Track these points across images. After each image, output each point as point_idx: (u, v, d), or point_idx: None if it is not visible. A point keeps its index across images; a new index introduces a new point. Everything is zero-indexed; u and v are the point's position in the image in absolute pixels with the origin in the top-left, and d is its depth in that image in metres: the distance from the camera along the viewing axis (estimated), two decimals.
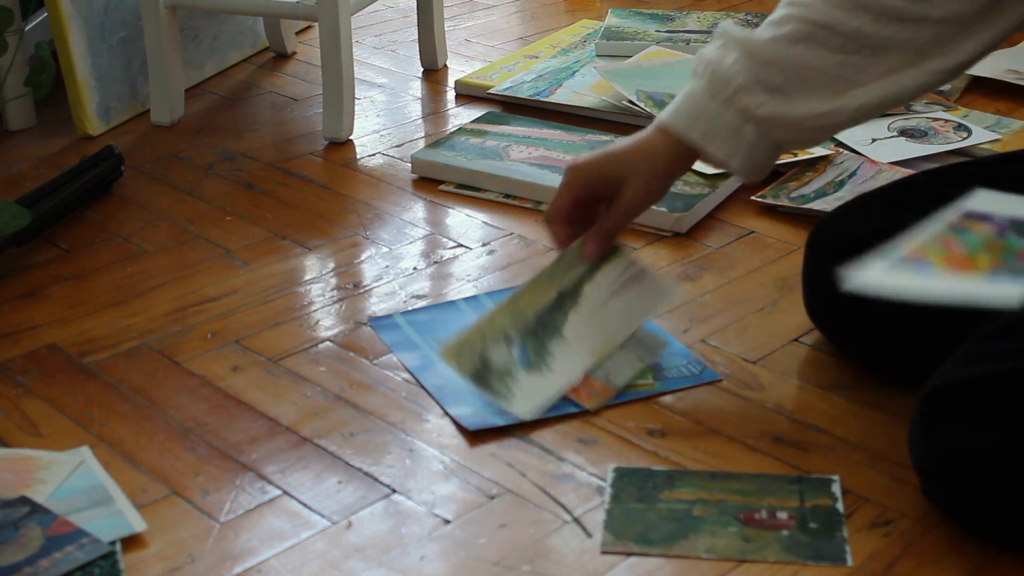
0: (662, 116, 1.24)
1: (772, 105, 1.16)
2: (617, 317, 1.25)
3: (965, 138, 1.72)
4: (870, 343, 1.23)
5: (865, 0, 1.15)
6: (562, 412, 1.18)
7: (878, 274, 0.93)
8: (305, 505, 1.07)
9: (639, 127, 1.79)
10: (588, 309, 1.25)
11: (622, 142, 1.25)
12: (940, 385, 1.02)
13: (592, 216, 1.28)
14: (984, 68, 1.90)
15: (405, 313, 1.35)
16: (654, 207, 1.51)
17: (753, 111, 1.17)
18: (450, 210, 1.60)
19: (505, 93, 1.91)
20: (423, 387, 1.23)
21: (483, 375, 1.19)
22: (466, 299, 1.37)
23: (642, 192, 1.23)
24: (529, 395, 1.19)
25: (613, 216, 1.25)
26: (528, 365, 1.21)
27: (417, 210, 1.60)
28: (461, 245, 1.51)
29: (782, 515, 1.04)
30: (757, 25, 2.13)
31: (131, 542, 1.02)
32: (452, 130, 1.81)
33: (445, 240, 1.52)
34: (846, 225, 1.24)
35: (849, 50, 1.15)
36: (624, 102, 1.84)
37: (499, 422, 1.16)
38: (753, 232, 1.53)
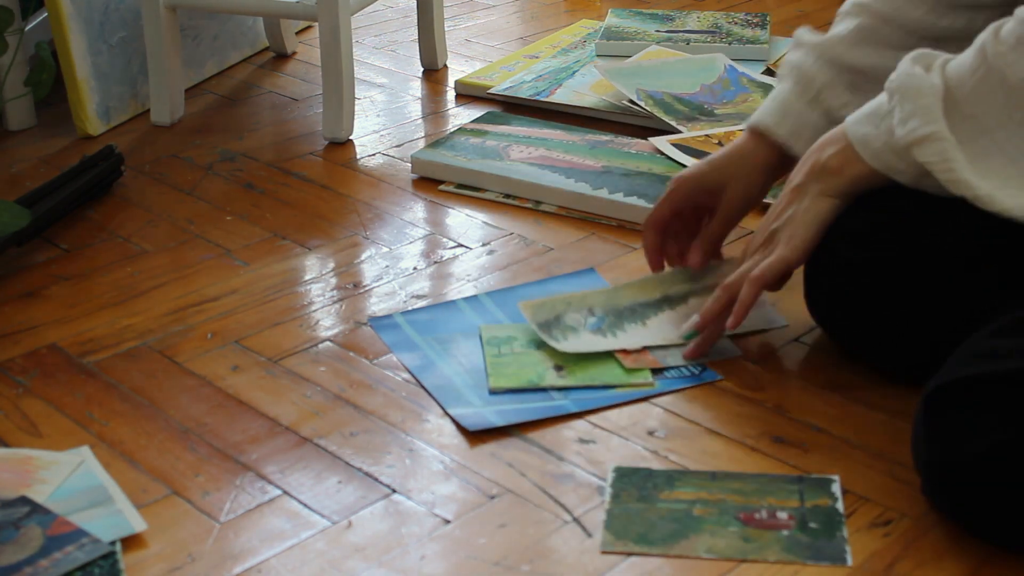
0: (752, 116, 1.31)
1: (854, 105, 1.20)
2: None
3: None
4: (870, 338, 1.22)
5: None
6: (561, 412, 1.18)
7: None
8: (305, 505, 1.07)
9: (639, 127, 1.81)
10: (685, 312, 1.30)
11: (719, 152, 1.33)
12: (943, 384, 1.01)
13: (693, 227, 1.34)
14: None
15: (405, 313, 1.35)
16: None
17: (836, 112, 1.23)
18: (450, 210, 1.60)
19: (505, 93, 1.91)
20: (423, 387, 1.23)
21: (549, 326, 1.26)
22: (466, 299, 1.37)
23: (741, 194, 1.30)
24: (580, 344, 1.25)
25: (716, 222, 1.32)
26: (596, 330, 1.26)
27: (417, 210, 1.60)
28: (461, 245, 1.51)
29: (782, 515, 1.04)
30: (757, 26, 2.13)
31: (131, 542, 1.02)
32: (452, 130, 1.81)
33: (445, 240, 1.52)
34: (847, 218, 1.23)
35: (910, 45, 1.18)
36: (624, 101, 1.84)
37: (498, 422, 1.16)
38: (753, 232, 1.52)
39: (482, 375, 1.23)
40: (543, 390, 1.21)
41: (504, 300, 1.36)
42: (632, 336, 1.27)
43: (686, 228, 1.35)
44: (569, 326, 1.26)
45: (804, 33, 1.32)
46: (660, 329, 1.28)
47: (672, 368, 1.24)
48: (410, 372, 1.25)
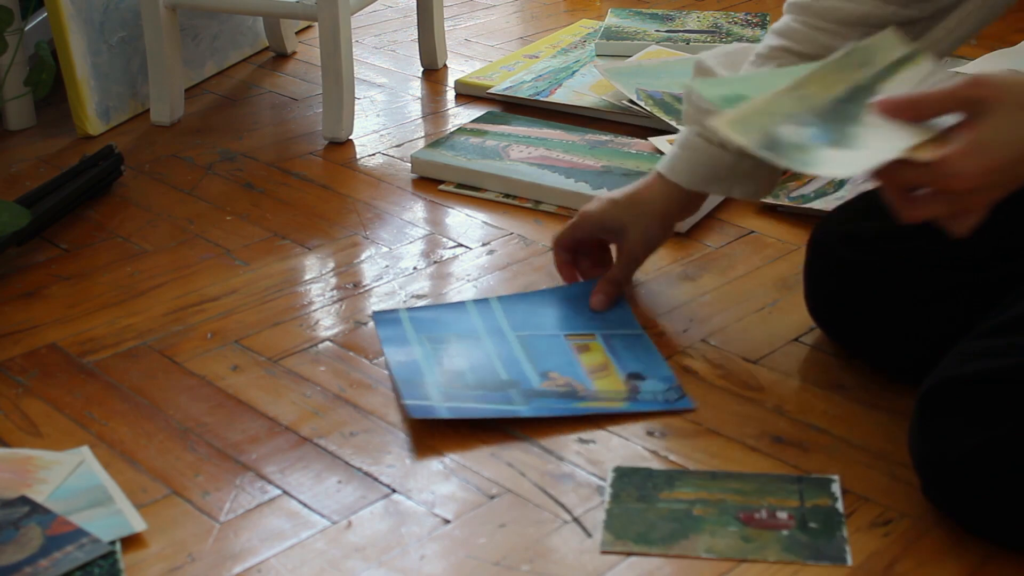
0: (662, 164, 1.30)
1: None
2: None
3: None
4: (870, 341, 1.23)
5: (853, 16, 1.18)
6: (512, 415, 1.17)
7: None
8: (305, 505, 1.07)
9: (639, 127, 1.81)
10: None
11: (626, 189, 1.33)
12: (938, 383, 1.02)
13: (600, 253, 1.37)
14: (985, 69, 1.89)
15: (411, 309, 1.34)
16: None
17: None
18: (450, 210, 1.60)
19: (505, 93, 1.91)
20: (389, 372, 1.22)
21: (774, 147, 1.03)
22: (476, 301, 1.36)
23: (641, 240, 1.32)
24: (842, 163, 1.04)
25: (618, 265, 1.34)
26: (830, 143, 1.04)
27: (417, 210, 1.60)
28: (461, 245, 1.51)
29: (782, 515, 1.04)
30: (757, 26, 2.13)
31: (131, 542, 1.02)
32: (452, 130, 1.81)
33: (445, 240, 1.52)
34: (848, 224, 1.24)
35: None
36: (624, 101, 1.84)
37: (445, 415, 1.15)
38: (753, 232, 1.53)
39: (454, 376, 1.22)
40: (505, 392, 1.20)
41: (513, 307, 1.35)
42: (873, 138, 1.04)
43: (587, 253, 1.37)
44: (794, 144, 1.04)
45: (710, 62, 1.29)
46: (886, 126, 1.05)
47: (648, 392, 1.22)
48: (387, 366, 1.24)
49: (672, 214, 1.32)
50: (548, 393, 1.21)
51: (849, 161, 1.02)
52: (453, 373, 1.23)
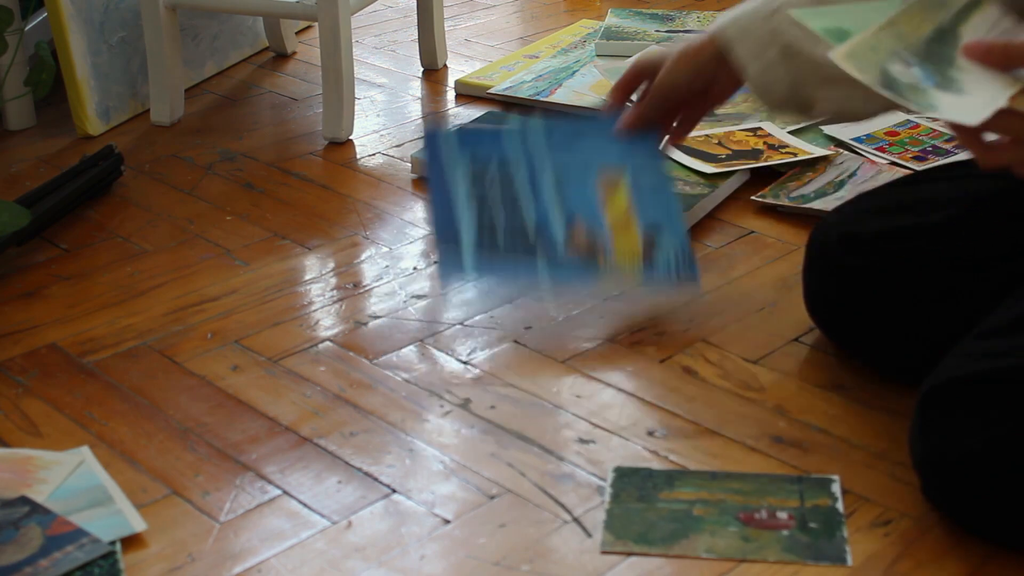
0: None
1: (799, 34, 1.18)
2: None
3: None
4: (870, 342, 1.23)
5: None
6: (534, 278, 1.20)
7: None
8: (305, 505, 1.07)
9: None
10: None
11: None
12: (938, 384, 1.02)
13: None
14: None
15: (461, 130, 1.38)
16: None
17: (781, 33, 1.20)
18: None
19: (505, 93, 1.91)
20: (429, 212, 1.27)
21: (891, 84, 1.05)
22: (521, 121, 1.39)
23: (665, 76, 1.32)
24: (960, 109, 1.02)
25: (646, 94, 1.35)
26: (936, 85, 1.05)
27: (417, 210, 1.60)
28: None
29: (782, 515, 1.04)
30: None
31: (131, 542, 1.02)
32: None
33: None
34: (847, 225, 1.24)
35: None
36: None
37: (471, 271, 1.23)
38: (753, 232, 1.53)
39: (487, 226, 1.28)
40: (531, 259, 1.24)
41: (551, 132, 1.38)
42: (976, 85, 1.05)
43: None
44: (909, 84, 1.05)
45: None
46: (980, 71, 1.07)
47: (662, 261, 1.23)
48: (428, 195, 1.27)
49: (704, 65, 1.29)
50: (571, 264, 1.21)
51: (965, 107, 1.02)
52: (487, 221, 1.25)
